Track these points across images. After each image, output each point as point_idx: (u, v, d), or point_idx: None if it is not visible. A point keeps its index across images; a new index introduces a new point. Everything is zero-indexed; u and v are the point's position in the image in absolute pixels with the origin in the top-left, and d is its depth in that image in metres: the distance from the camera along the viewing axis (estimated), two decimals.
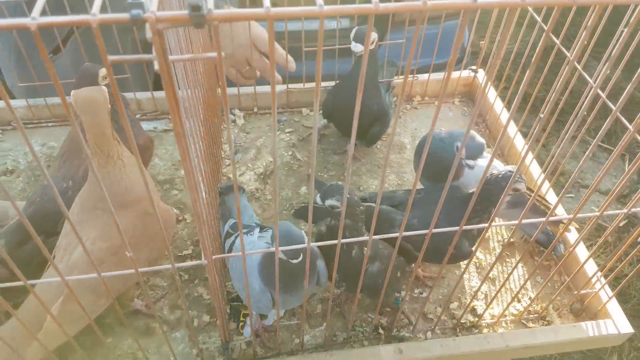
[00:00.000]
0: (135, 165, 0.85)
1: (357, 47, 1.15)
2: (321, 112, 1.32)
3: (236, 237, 0.96)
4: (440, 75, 1.51)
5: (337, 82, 1.31)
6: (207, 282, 1.03)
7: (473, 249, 0.96)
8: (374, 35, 1.17)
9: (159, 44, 0.42)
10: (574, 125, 0.63)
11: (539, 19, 1.05)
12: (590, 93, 0.64)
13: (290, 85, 1.45)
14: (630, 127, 0.73)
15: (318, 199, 0.88)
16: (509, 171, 0.91)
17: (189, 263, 0.67)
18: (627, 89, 0.58)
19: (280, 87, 1.46)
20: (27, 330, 0.74)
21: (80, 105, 0.77)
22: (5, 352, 0.84)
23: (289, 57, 1.30)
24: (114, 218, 0.57)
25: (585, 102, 0.66)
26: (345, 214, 0.90)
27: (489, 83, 1.46)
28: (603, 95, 0.90)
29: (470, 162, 1.04)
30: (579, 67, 0.98)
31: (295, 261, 0.80)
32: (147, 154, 1.12)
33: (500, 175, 0.91)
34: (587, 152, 0.69)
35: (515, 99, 0.58)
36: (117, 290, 0.94)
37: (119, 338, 1.00)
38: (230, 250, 0.96)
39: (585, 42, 0.53)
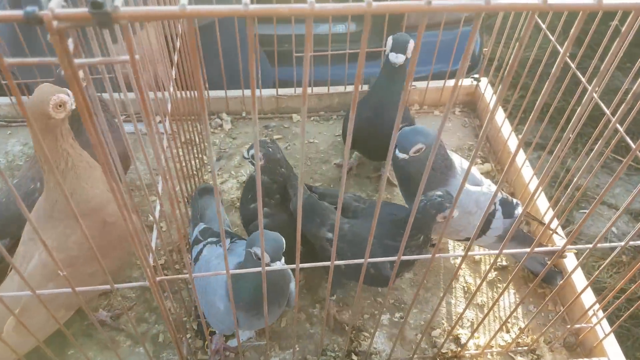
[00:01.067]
0: (94, 175, 0.80)
1: (398, 58, 1.03)
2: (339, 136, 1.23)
3: (204, 246, 0.90)
4: (439, 84, 1.44)
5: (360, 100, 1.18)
6: (177, 296, 0.97)
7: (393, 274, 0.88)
8: (412, 43, 1.04)
9: (59, 45, 0.36)
10: (597, 147, 0.56)
11: (543, 26, 0.98)
12: (609, 128, 0.57)
13: (281, 91, 1.39)
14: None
15: (245, 152, 0.91)
16: (439, 196, 0.83)
17: (131, 284, 0.62)
18: None
19: (270, 92, 1.40)
20: None
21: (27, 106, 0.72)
22: None
23: None
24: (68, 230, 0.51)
25: (605, 134, 0.58)
26: (265, 169, 0.92)
27: (493, 99, 1.38)
28: (621, 129, 0.82)
29: (401, 155, 0.93)
30: (596, 97, 0.88)
31: (278, 264, 0.73)
32: (127, 162, 1.06)
33: (428, 203, 0.83)
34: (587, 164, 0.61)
35: (524, 117, 0.51)
36: (76, 303, 0.89)
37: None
38: (196, 260, 0.89)
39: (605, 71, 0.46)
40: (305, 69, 0.39)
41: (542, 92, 0.45)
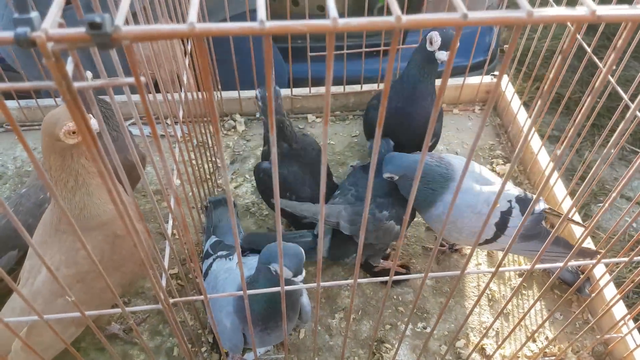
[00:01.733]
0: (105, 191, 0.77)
1: (445, 56, 1.00)
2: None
3: (214, 260, 0.87)
4: (458, 81, 1.39)
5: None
6: (192, 307, 0.95)
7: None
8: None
9: (56, 69, 0.33)
10: (613, 139, 0.52)
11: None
12: (628, 116, 0.53)
13: (295, 91, 1.35)
14: None
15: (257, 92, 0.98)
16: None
17: (143, 307, 0.59)
18: None
19: (284, 92, 1.37)
20: None
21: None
22: None
23: None
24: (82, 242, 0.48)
25: (622, 124, 0.54)
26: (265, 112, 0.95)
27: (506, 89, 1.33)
28: None
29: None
30: (612, 81, 0.86)
31: (300, 277, 0.70)
32: (135, 173, 1.03)
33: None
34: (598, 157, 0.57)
35: (536, 110, 0.47)
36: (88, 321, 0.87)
37: None
38: (205, 275, 0.87)
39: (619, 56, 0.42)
40: (326, 108, 0.35)
41: (550, 79, 0.41)
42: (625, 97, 0.83)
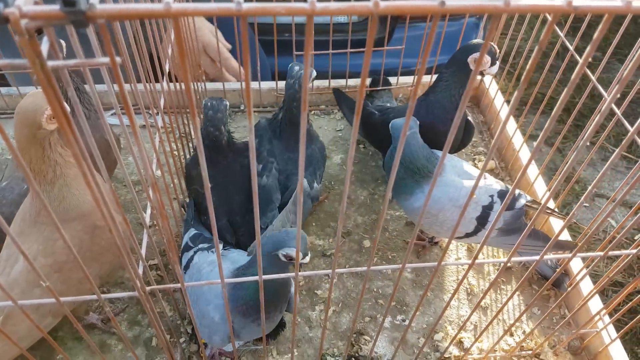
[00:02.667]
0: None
1: (495, 69, 0.98)
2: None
3: (195, 253, 0.87)
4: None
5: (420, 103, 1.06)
6: (171, 298, 0.94)
7: None
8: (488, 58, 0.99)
9: (29, 47, 0.33)
10: (589, 132, 0.53)
11: None
12: (604, 108, 0.53)
13: (280, 84, 1.35)
14: None
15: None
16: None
17: (119, 294, 0.58)
18: None
19: (268, 85, 1.36)
20: None
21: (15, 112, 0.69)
22: None
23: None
24: (61, 232, 0.47)
25: (598, 117, 0.55)
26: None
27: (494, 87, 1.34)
28: (619, 112, 0.79)
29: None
30: (593, 78, 0.87)
31: (307, 258, 0.70)
32: (112, 157, 1.02)
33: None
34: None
35: (512, 104, 0.48)
36: (63, 310, 0.86)
37: (71, 354, 0.92)
38: (187, 268, 0.86)
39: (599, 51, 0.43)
40: (304, 81, 0.35)
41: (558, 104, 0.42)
42: (605, 94, 0.84)
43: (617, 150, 0.50)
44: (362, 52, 1.21)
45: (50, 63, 0.34)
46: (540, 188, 1.12)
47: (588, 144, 2.53)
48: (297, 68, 0.97)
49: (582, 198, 0.60)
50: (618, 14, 0.34)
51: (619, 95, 0.44)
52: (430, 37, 0.36)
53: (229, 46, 1.42)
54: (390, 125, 0.96)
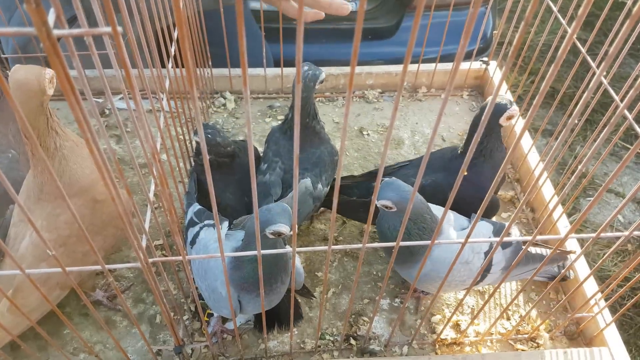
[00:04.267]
0: (82, 154, 0.79)
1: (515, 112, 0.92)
2: None
3: (201, 229, 0.88)
4: (448, 66, 1.41)
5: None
6: (177, 277, 0.96)
7: None
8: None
9: (36, 14, 0.34)
10: (604, 133, 0.54)
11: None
12: (617, 114, 0.54)
13: (286, 69, 1.36)
14: None
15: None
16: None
17: (123, 265, 0.60)
18: None
19: (274, 71, 1.38)
20: None
21: (11, 88, 0.70)
22: None
23: None
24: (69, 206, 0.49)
25: (612, 120, 0.55)
26: (210, 151, 0.93)
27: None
28: (630, 117, 0.78)
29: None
30: (605, 81, 0.84)
31: (289, 231, 0.70)
32: None
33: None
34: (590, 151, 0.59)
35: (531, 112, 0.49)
36: (70, 283, 0.88)
37: (77, 329, 0.95)
38: (193, 243, 0.88)
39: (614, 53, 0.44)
40: (297, 76, 0.37)
41: (547, 76, 0.43)
42: (617, 97, 0.81)
43: (631, 147, 0.51)
44: (371, 41, 1.22)
45: (56, 31, 0.36)
46: (548, 192, 1.11)
47: (596, 142, 2.53)
48: (305, 68, 0.95)
49: (591, 202, 0.61)
50: None
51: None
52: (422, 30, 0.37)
53: None
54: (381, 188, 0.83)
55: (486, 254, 0.87)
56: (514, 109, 0.90)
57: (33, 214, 0.80)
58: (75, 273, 0.86)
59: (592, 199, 1.91)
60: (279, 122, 1.35)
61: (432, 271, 0.84)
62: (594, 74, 0.88)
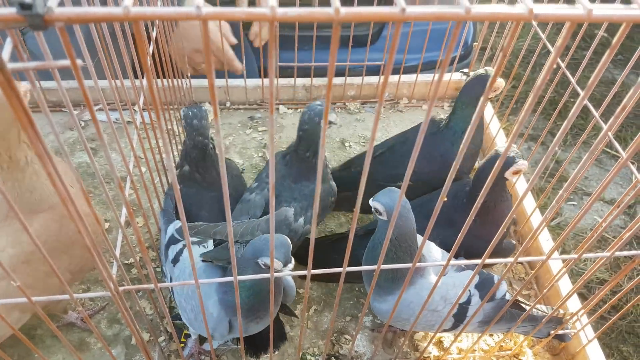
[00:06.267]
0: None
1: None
2: None
3: (184, 246, 0.86)
4: (428, 77, 1.40)
5: None
6: (151, 298, 0.94)
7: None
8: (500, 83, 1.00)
9: None
10: (562, 128, 0.53)
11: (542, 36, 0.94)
12: (601, 135, 0.54)
13: (266, 80, 1.35)
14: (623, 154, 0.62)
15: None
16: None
17: (91, 294, 0.58)
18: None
19: (255, 82, 1.36)
20: None
21: None
22: None
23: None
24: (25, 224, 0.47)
25: (570, 115, 0.55)
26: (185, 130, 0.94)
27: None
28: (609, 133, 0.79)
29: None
30: (588, 104, 0.83)
31: (290, 266, 0.69)
32: None
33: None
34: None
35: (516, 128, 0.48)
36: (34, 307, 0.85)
37: (49, 352, 0.92)
38: (176, 261, 0.85)
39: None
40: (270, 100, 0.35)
41: (529, 101, 0.42)
42: (597, 114, 0.81)
43: (600, 146, 0.51)
44: (359, 48, 1.19)
45: (11, 65, 0.34)
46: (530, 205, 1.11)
47: (568, 141, 2.55)
48: (317, 103, 0.90)
49: (559, 202, 0.60)
50: (579, 22, 0.35)
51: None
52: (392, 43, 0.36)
53: (235, 41, 1.32)
54: (371, 202, 0.80)
55: (461, 305, 0.83)
56: (522, 163, 0.85)
57: (0, 232, 0.76)
58: (36, 294, 0.82)
59: (573, 202, 1.89)
60: (260, 133, 1.33)
61: (401, 311, 0.82)
62: (573, 85, 0.88)
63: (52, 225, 0.77)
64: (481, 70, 0.97)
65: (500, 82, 0.96)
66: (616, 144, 0.75)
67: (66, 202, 0.45)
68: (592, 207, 2.46)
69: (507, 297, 0.88)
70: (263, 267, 0.70)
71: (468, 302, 0.84)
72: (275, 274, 0.59)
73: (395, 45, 0.35)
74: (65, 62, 0.34)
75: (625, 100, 0.46)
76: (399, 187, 0.98)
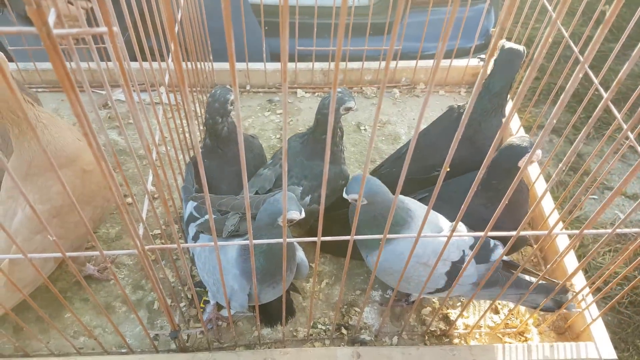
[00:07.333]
0: (58, 124, 0.82)
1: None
2: None
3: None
4: (445, 63, 1.42)
5: None
6: (174, 265, 0.99)
7: None
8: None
9: (37, 16, 0.37)
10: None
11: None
12: (598, 108, 0.55)
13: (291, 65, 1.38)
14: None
15: None
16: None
17: (121, 252, 0.63)
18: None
19: (274, 66, 1.40)
20: None
21: None
22: None
23: None
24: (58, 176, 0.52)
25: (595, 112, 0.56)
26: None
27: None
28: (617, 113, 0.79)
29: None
30: (610, 105, 0.83)
31: (302, 214, 0.74)
32: None
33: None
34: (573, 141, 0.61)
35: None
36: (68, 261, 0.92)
37: (77, 313, 0.98)
38: (196, 238, 0.90)
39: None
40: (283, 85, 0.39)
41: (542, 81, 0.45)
42: (619, 116, 0.81)
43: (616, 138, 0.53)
44: (373, 37, 1.21)
45: (56, 31, 0.39)
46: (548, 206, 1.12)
47: (590, 134, 2.53)
48: (338, 90, 0.94)
49: (585, 197, 0.63)
50: None
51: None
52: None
53: None
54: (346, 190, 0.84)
55: (454, 263, 0.86)
56: (536, 153, 0.87)
57: (24, 190, 0.82)
58: (67, 244, 0.88)
59: (594, 197, 1.89)
60: (278, 115, 1.37)
61: (385, 261, 0.85)
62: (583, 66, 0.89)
63: (75, 180, 0.83)
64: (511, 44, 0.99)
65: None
66: (635, 144, 0.76)
67: (87, 136, 0.49)
68: (613, 202, 2.45)
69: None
70: (280, 224, 0.74)
71: (462, 261, 0.86)
72: (288, 240, 0.64)
73: (395, 32, 0.39)
74: (104, 29, 0.39)
75: None
76: (432, 178, 1.02)
